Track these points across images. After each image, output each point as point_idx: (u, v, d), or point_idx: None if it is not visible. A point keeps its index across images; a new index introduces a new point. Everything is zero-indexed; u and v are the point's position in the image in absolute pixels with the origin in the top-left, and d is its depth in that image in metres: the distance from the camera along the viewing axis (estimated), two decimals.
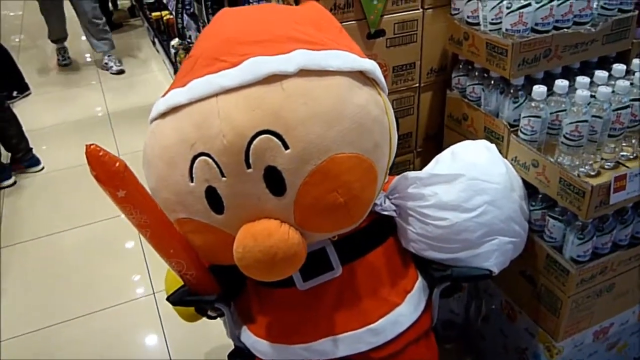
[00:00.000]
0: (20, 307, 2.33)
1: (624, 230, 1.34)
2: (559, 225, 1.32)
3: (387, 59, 1.56)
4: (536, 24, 1.34)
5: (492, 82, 1.46)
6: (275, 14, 1.14)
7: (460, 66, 1.59)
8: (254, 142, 0.94)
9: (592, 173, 1.26)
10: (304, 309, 1.21)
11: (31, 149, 3.25)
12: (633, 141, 1.30)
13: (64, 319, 2.22)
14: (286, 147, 0.95)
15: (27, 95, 4.19)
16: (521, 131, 1.36)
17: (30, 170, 3.24)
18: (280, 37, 1.02)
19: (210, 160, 0.97)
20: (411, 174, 1.26)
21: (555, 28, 1.36)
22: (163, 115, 1.05)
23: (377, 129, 1.05)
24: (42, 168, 3.27)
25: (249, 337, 1.28)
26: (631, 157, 1.30)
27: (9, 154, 3.22)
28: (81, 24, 4.40)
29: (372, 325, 1.20)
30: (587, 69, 1.45)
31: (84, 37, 4.75)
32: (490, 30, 1.40)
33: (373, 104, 1.05)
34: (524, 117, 1.33)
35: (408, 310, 1.24)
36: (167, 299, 1.24)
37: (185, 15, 3.40)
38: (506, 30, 1.35)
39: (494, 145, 1.40)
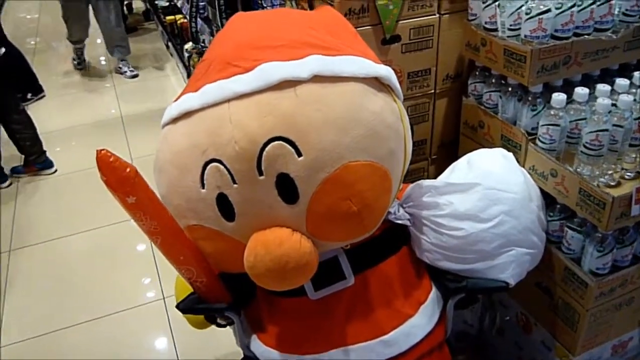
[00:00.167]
0: (28, 310, 2.33)
1: None
2: (577, 237, 1.30)
3: (402, 64, 1.54)
4: (556, 30, 1.31)
5: (510, 89, 1.43)
6: (290, 19, 1.13)
7: (477, 73, 1.56)
8: (266, 148, 0.93)
9: (612, 183, 1.23)
10: (315, 318, 1.19)
11: (45, 151, 3.26)
12: None
13: (73, 323, 2.22)
14: (299, 154, 0.93)
15: (41, 97, 4.22)
16: (539, 140, 1.33)
17: (44, 173, 3.26)
18: (294, 43, 1.01)
19: (222, 167, 0.96)
20: (426, 182, 1.24)
21: (576, 35, 1.34)
22: (175, 120, 1.04)
23: (392, 136, 1.03)
24: (55, 171, 3.28)
25: (258, 347, 1.26)
26: None
27: (22, 156, 3.24)
28: (102, 31, 4.43)
29: (384, 337, 1.18)
30: (607, 76, 1.42)
31: (99, 40, 4.79)
32: (508, 37, 1.37)
33: (388, 111, 1.03)
34: (543, 125, 1.31)
35: (421, 321, 1.22)
36: (177, 307, 1.23)
37: (199, 19, 3.41)
38: (525, 36, 1.33)
39: (511, 154, 1.37)
